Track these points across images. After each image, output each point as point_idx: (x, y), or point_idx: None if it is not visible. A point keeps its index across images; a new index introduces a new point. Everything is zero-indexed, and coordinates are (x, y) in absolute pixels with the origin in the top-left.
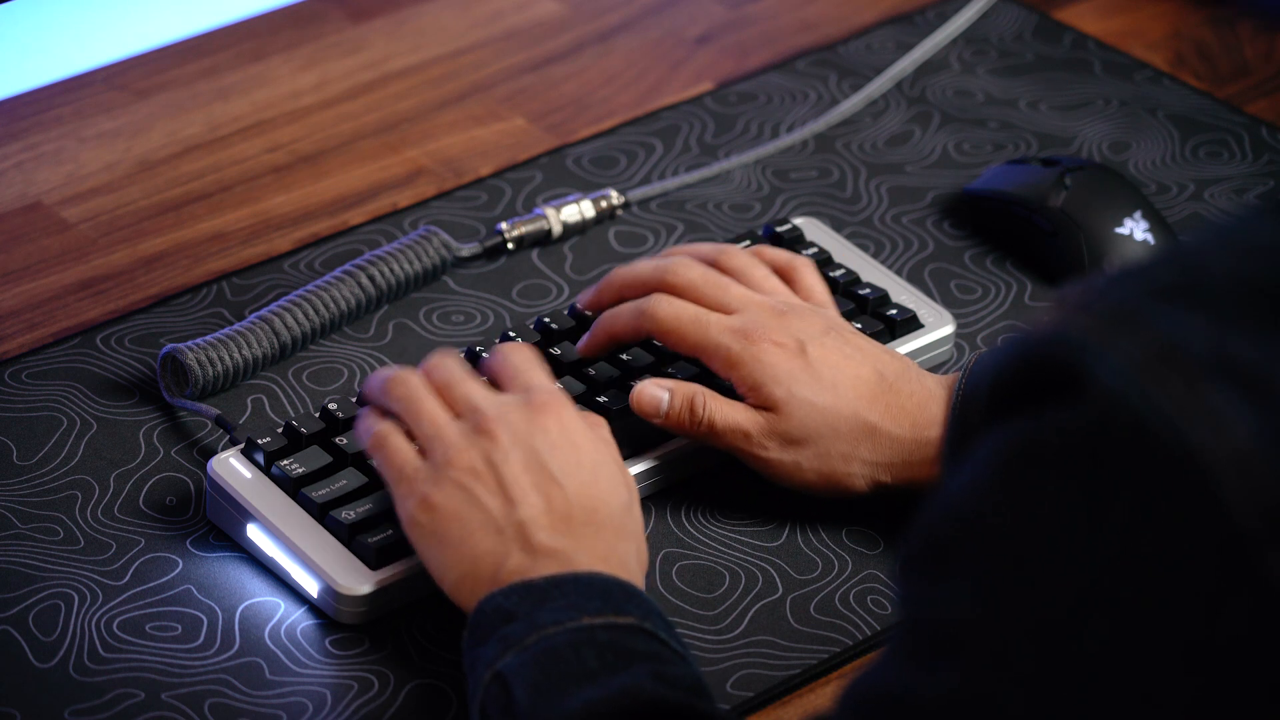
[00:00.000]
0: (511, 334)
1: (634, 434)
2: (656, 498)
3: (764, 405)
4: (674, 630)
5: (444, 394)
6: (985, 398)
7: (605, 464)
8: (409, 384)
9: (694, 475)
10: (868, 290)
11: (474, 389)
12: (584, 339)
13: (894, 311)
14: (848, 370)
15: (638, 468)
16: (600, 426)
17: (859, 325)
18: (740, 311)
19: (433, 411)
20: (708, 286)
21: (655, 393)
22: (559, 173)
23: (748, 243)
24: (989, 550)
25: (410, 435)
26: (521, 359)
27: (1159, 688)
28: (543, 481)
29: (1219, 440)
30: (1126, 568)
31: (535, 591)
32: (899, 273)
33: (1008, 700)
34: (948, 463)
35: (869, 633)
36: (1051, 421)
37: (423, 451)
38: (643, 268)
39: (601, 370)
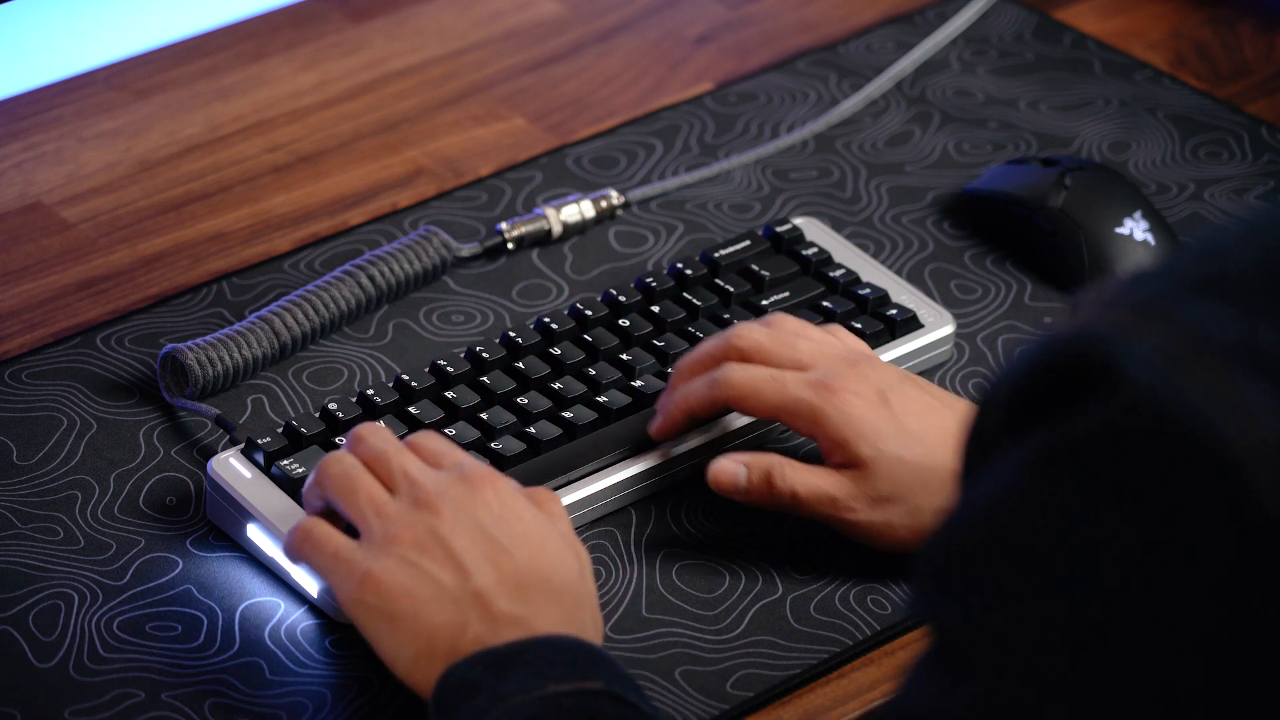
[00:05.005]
0: (511, 334)
1: (633, 434)
2: (657, 498)
3: (849, 463)
4: (641, 691)
5: (377, 468)
6: (1004, 403)
7: (550, 534)
8: (343, 463)
9: (694, 475)
10: (868, 290)
11: (409, 460)
12: (657, 420)
13: (894, 311)
14: (931, 419)
15: (638, 467)
16: (551, 502)
17: (859, 325)
18: (813, 366)
19: (370, 488)
20: (775, 344)
21: (732, 468)
22: (559, 173)
23: (747, 243)
24: (1017, 557)
25: (339, 523)
26: (440, 442)
27: (1189, 681)
28: (492, 552)
29: (1249, 430)
30: (1155, 562)
31: (499, 659)
32: (899, 273)
33: (1040, 705)
34: (967, 471)
35: (869, 633)
36: (1078, 422)
37: (357, 533)
38: (705, 344)
39: (603, 371)
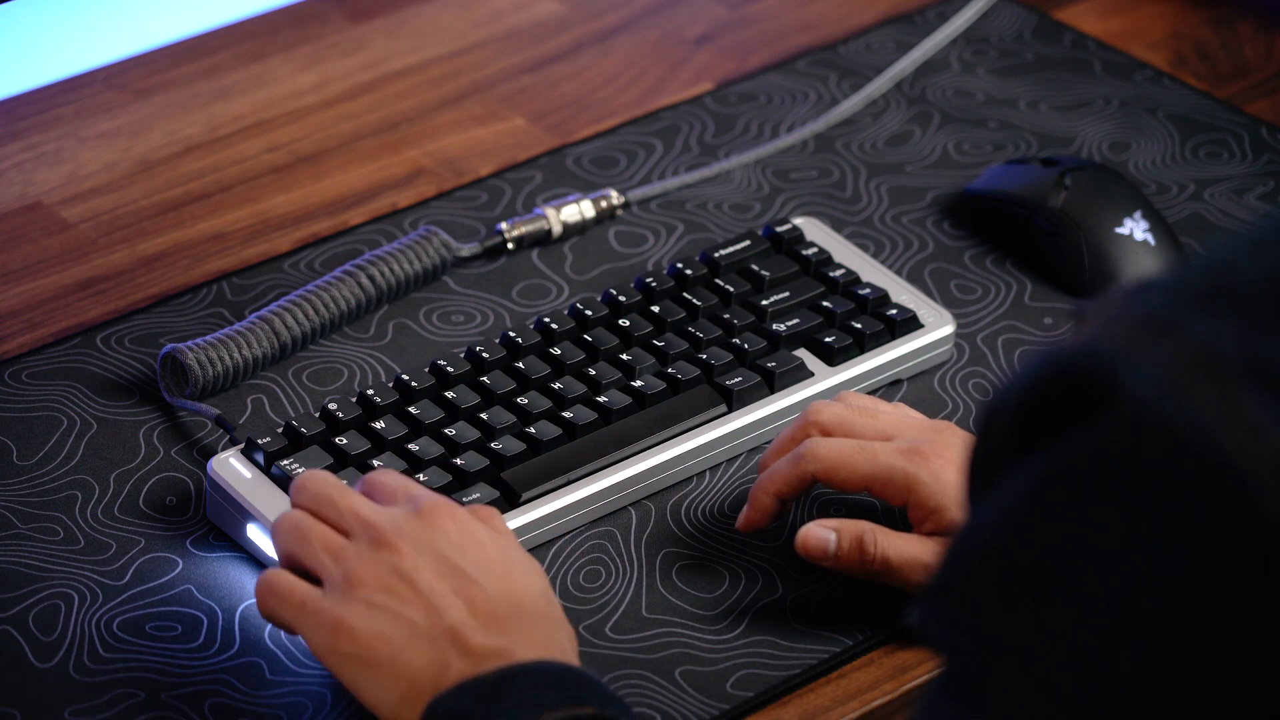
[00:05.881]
0: (511, 334)
1: (633, 434)
2: (657, 497)
3: (941, 530)
4: (631, 711)
5: (326, 513)
6: (1007, 422)
7: (513, 556)
8: (291, 516)
9: (694, 475)
10: (868, 290)
11: (358, 501)
12: (744, 513)
13: (894, 311)
14: None
15: (638, 467)
16: (493, 519)
17: (859, 325)
18: (898, 435)
19: (322, 534)
20: (857, 416)
21: (821, 534)
22: (559, 173)
23: (747, 243)
24: (1024, 578)
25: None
26: (394, 478)
27: (1198, 695)
28: (460, 584)
29: (1254, 445)
30: (1163, 579)
31: (486, 688)
32: (899, 273)
33: None
34: (972, 493)
35: (869, 633)
36: (1082, 441)
37: (319, 582)
38: (782, 432)
39: (603, 371)
